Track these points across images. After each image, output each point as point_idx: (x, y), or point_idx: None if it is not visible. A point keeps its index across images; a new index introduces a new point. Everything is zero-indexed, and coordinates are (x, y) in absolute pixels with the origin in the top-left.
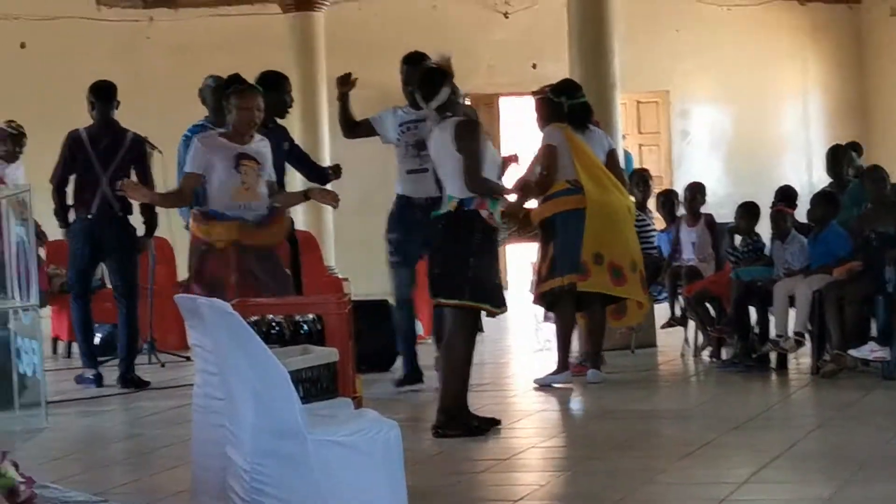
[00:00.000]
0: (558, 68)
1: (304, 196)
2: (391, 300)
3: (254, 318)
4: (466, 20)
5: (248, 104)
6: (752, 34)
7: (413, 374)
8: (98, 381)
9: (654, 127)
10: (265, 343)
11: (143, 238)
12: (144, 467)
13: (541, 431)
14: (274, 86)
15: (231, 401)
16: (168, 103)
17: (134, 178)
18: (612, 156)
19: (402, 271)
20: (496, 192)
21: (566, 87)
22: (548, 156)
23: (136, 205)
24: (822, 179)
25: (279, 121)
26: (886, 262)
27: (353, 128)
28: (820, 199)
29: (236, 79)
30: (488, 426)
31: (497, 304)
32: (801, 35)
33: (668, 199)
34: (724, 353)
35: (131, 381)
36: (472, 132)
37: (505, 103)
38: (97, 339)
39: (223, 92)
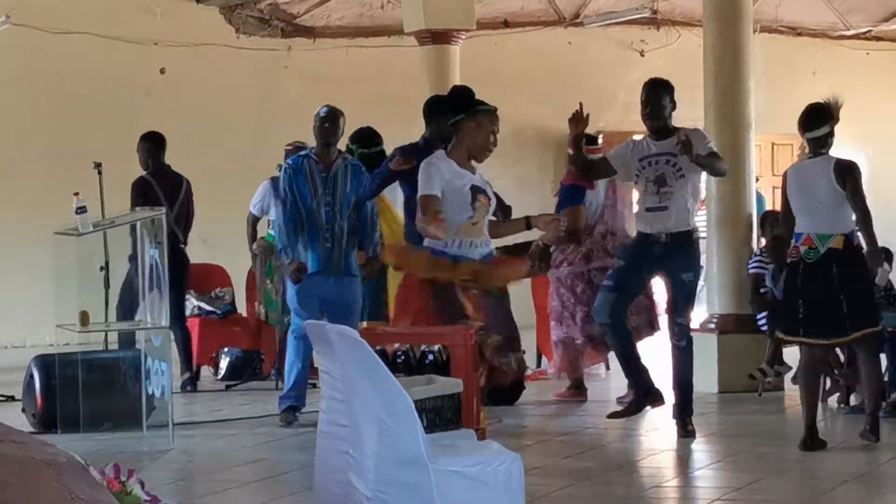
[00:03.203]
0: (693, 108)
1: (526, 225)
2: None
3: (380, 346)
4: (602, 58)
5: (495, 127)
6: (891, 78)
7: (647, 395)
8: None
9: None
10: (391, 371)
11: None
12: (268, 491)
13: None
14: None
15: (355, 428)
16: (303, 131)
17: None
18: None
19: (607, 295)
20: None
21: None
22: None
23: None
24: None
25: None
26: None
27: (590, 168)
28: None
29: (466, 92)
30: None
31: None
32: None
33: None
34: (854, 399)
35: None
36: (856, 172)
37: None
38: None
39: (441, 107)
